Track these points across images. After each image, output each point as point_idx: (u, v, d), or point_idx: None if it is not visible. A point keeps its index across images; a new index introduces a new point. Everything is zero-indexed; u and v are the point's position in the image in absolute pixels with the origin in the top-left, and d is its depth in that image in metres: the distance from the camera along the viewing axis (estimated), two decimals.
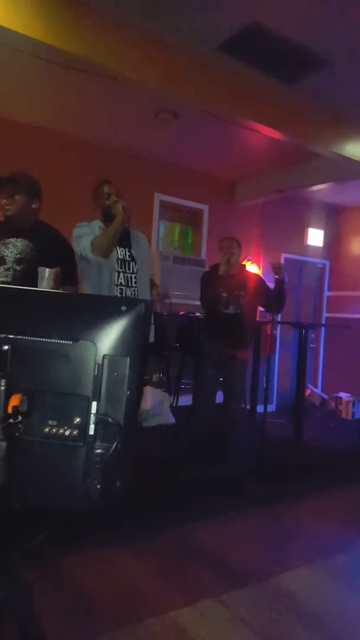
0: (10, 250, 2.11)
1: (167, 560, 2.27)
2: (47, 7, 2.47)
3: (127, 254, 2.73)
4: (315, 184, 4.76)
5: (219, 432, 3.37)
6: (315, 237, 6.16)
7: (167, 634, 1.74)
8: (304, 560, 2.35)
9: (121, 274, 2.66)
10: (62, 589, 1.97)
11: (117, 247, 2.67)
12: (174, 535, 2.50)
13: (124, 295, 2.65)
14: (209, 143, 4.25)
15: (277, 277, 3.30)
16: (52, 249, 2.16)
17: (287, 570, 2.23)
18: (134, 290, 2.71)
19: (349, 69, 3.03)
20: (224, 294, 3.27)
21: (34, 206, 2.19)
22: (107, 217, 2.65)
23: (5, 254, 2.11)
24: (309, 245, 6.12)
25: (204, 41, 2.83)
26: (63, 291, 1.86)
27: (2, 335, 0.73)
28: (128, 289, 2.68)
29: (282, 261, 5.77)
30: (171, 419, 4.19)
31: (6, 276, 2.08)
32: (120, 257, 2.68)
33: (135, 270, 2.72)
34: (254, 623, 1.83)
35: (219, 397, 3.50)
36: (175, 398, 4.50)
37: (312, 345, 6.04)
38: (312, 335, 6.09)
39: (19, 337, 0.73)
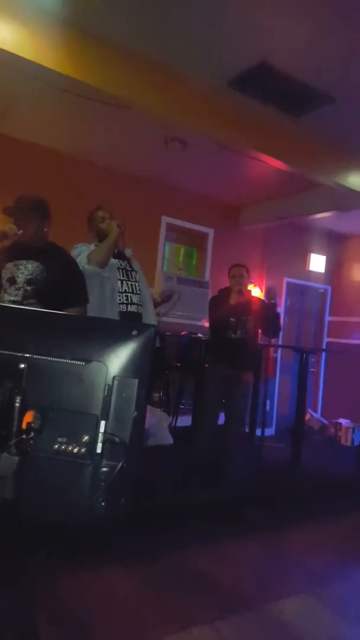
0: (21, 271, 2.16)
1: (163, 584, 2.25)
2: (70, 43, 2.61)
3: (127, 265, 2.89)
4: (317, 212, 4.88)
5: (218, 453, 3.37)
6: (318, 262, 6.25)
7: None
8: (298, 588, 2.33)
9: (124, 282, 2.80)
10: (58, 609, 1.95)
11: (117, 260, 2.81)
12: (171, 558, 2.48)
13: (129, 300, 2.78)
14: (215, 170, 4.38)
15: (272, 301, 3.40)
16: (62, 270, 2.22)
17: (281, 598, 2.21)
18: (139, 298, 2.81)
19: (351, 105, 3.15)
20: (232, 319, 3.34)
21: (45, 229, 2.27)
22: (102, 238, 2.78)
23: (16, 274, 2.16)
24: (310, 271, 6.20)
25: (214, 76, 2.96)
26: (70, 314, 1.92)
27: (19, 354, 0.77)
28: (133, 295, 2.81)
29: (284, 285, 5.87)
30: (169, 440, 4.17)
31: (16, 295, 2.13)
32: (121, 267, 2.83)
33: (137, 279, 2.88)
34: None
35: (221, 419, 3.51)
36: (174, 418, 4.49)
37: (312, 369, 6.05)
38: (313, 360, 6.11)
39: (35, 356, 0.77)
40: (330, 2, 2.23)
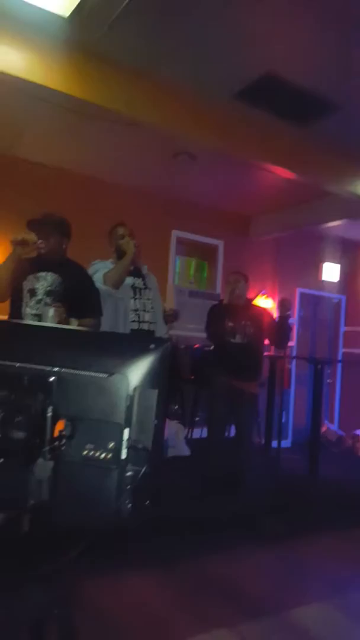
0: (41, 283, 2.28)
1: (184, 590, 2.30)
2: (78, 65, 2.69)
3: (141, 282, 2.95)
4: (329, 221, 4.89)
5: (233, 465, 3.38)
6: (331, 272, 6.24)
7: None
8: (317, 596, 2.35)
9: (137, 300, 2.87)
10: (84, 613, 1.99)
11: (132, 277, 2.88)
12: (191, 566, 2.52)
13: (141, 318, 2.85)
14: (224, 181, 4.43)
15: (287, 312, 3.40)
16: (78, 283, 2.33)
17: (301, 605, 2.23)
18: (152, 315, 2.87)
19: (359, 112, 3.17)
20: (230, 324, 3.34)
21: (64, 246, 2.38)
22: (120, 255, 2.85)
23: (36, 286, 2.28)
24: (324, 280, 6.19)
25: (221, 89, 2.99)
26: (82, 327, 2.03)
27: (48, 368, 0.84)
28: (145, 313, 2.88)
29: (298, 296, 5.87)
30: (186, 451, 4.21)
31: (37, 309, 2.24)
32: (134, 285, 2.90)
33: (150, 297, 2.94)
34: None
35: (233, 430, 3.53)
36: (190, 430, 4.52)
37: (328, 380, 6.02)
38: (329, 371, 6.08)
39: (63, 370, 0.84)
40: (334, 11, 2.26)
